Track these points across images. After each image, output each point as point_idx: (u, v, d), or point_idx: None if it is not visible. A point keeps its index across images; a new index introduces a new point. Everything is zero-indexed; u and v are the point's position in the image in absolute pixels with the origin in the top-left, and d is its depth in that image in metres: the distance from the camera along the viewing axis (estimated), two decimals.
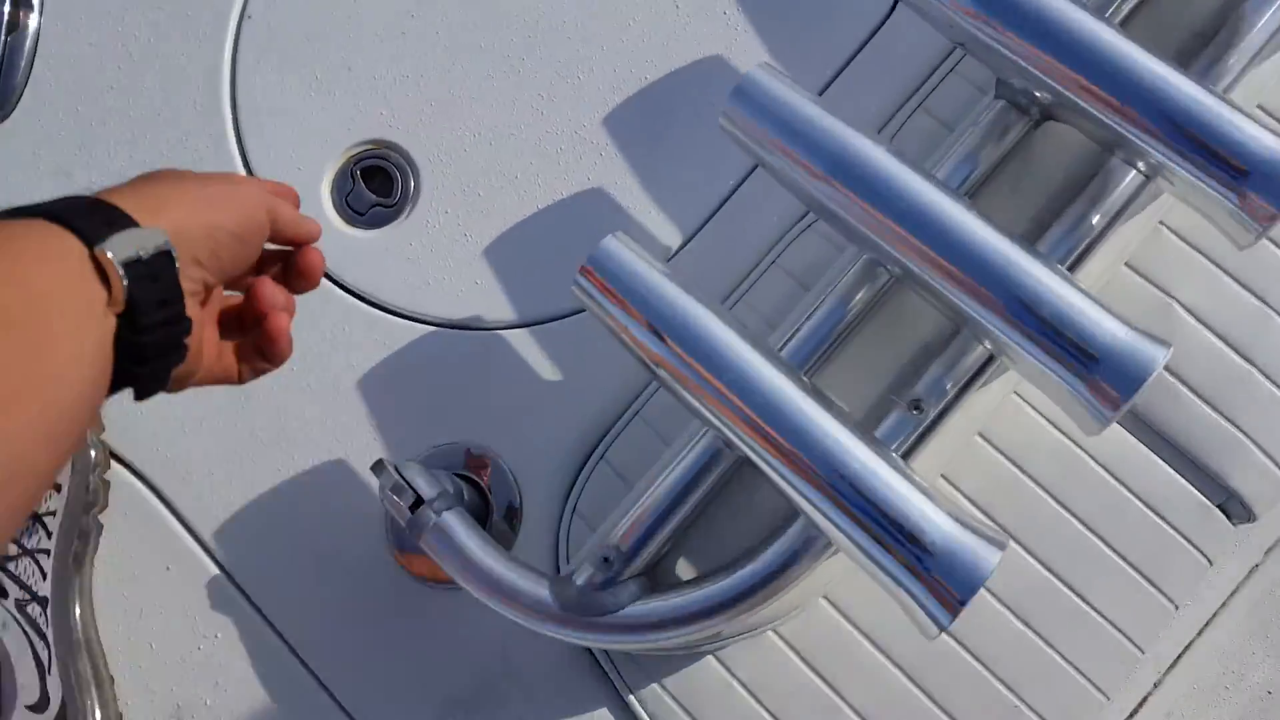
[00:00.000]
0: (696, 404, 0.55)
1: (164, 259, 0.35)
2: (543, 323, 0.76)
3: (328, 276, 0.79)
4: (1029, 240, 0.55)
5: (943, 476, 0.63)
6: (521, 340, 0.76)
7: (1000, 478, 0.64)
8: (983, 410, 0.61)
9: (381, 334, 0.77)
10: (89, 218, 0.34)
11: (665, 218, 0.75)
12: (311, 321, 0.78)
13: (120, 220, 0.34)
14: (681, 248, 0.74)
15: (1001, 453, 0.63)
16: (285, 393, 0.77)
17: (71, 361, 0.32)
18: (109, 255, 0.33)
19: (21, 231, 0.33)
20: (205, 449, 0.75)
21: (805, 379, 0.55)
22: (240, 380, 0.45)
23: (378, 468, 0.66)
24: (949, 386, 0.57)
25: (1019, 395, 0.63)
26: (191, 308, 0.37)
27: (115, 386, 0.36)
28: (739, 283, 0.72)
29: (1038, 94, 0.56)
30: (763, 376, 0.54)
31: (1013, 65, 0.55)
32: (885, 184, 0.54)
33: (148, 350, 0.35)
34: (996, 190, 0.61)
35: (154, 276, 0.35)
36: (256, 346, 0.45)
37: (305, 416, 0.76)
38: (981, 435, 0.63)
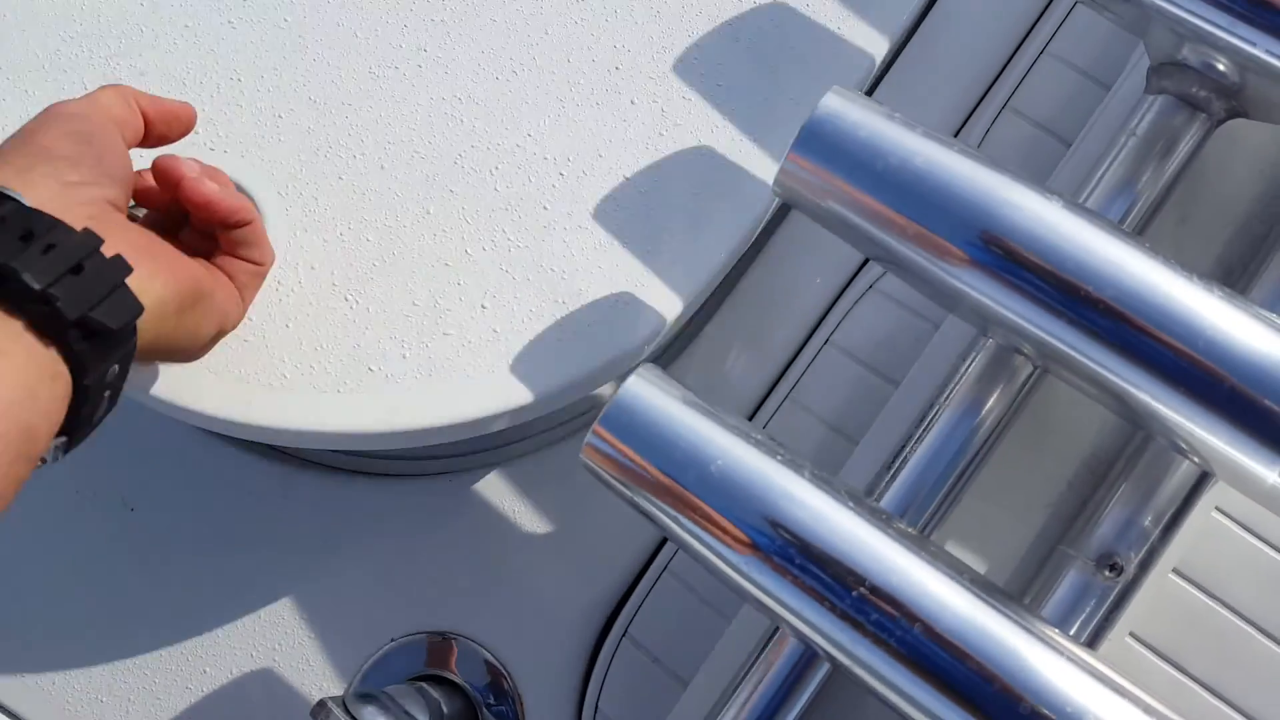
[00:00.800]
0: (793, 621, 0.35)
1: (12, 204, 0.33)
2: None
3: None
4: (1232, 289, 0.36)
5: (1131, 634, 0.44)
6: (488, 484, 0.55)
7: (1194, 613, 0.46)
8: (1181, 539, 0.43)
9: (300, 494, 0.56)
10: None
11: (654, 274, 0.53)
12: (195, 483, 0.56)
13: None
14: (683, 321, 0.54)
15: (1195, 584, 0.45)
16: (177, 581, 0.56)
17: None
18: None
19: None
20: (82, 667, 0.55)
21: (933, 550, 0.36)
22: (264, 263, 0.45)
23: (319, 712, 0.46)
24: (1148, 523, 0.39)
25: (1221, 510, 0.44)
26: (102, 224, 0.34)
27: (79, 352, 0.32)
28: (780, 374, 0.52)
29: (1226, 72, 0.37)
30: (881, 566, 0.34)
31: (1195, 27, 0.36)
32: (1039, 234, 0.34)
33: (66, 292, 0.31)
34: (1160, 226, 0.42)
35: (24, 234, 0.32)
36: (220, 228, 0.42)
37: (207, 613, 0.56)
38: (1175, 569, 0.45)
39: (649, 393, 0.37)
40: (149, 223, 0.42)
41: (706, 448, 0.35)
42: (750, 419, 0.52)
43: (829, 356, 0.51)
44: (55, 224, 0.32)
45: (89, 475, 0.58)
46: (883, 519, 0.36)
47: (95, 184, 0.35)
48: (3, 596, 0.57)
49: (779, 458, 0.36)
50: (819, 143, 0.35)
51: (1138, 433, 0.42)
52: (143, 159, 0.44)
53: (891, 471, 0.41)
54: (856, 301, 0.51)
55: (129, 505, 0.57)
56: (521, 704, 0.53)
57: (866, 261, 0.52)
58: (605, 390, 0.57)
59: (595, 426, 0.37)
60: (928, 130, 0.36)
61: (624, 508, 0.53)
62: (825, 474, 0.36)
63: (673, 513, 0.36)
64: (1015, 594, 0.41)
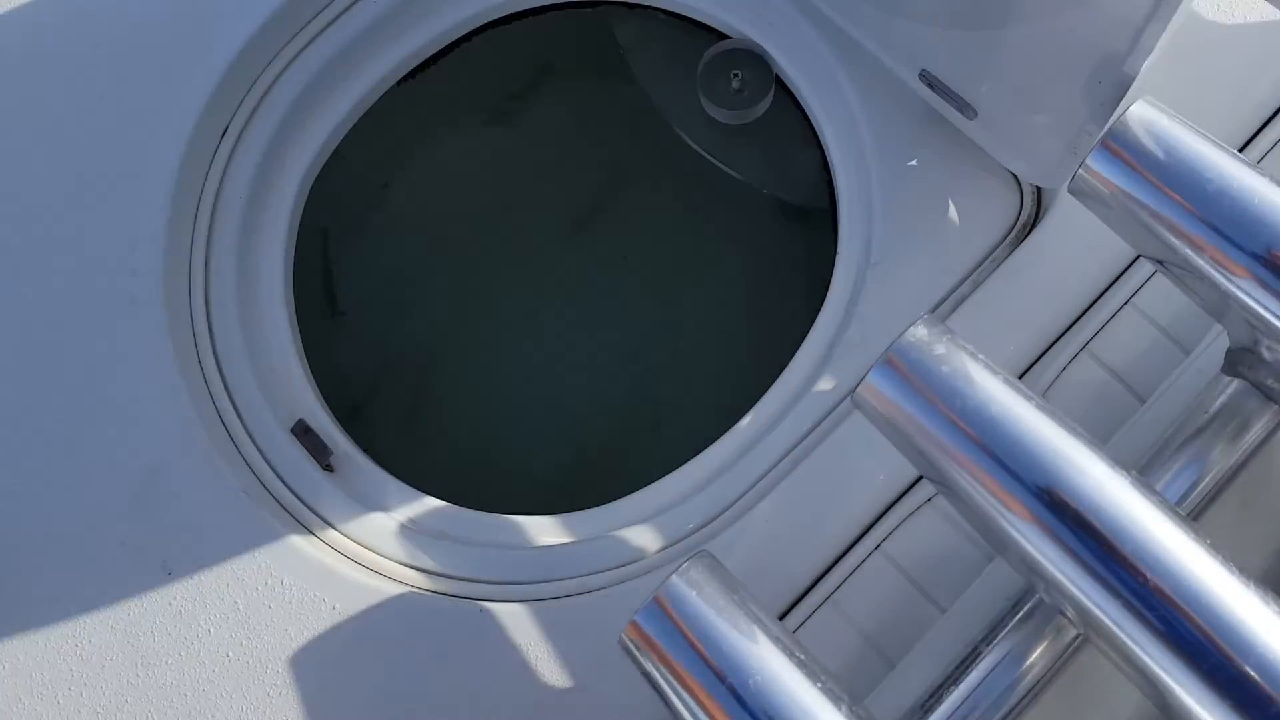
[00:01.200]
0: None
1: None
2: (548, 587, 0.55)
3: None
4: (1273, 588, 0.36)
5: None
6: (517, 619, 0.55)
7: None
8: None
9: (336, 592, 0.57)
10: None
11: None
12: (239, 562, 0.58)
13: None
14: (726, 510, 0.55)
15: None
16: (194, 661, 0.57)
17: None
18: None
19: None
20: None
21: None
22: None
23: None
24: None
25: None
26: None
27: None
28: (826, 569, 0.52)
29: None
30: None
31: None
32: (1096, 504, 0.35)
33: None
34: (1221, 507, 0.42)
35: None
36: None
37: (215, 695, 0.56)
38: None
39: (700, 586, 0.37)
40: None
41: (747, 659, 0.36)
42: (789, 611, 0.53)
43: (876, 563, 0.51)
44: None
45: (135, 529, 0.59)
46: None
47: None
48: (26, 634, 0.58)
49: (820, 686, 0.36)
50: (900, 369, 0.37)
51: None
52: None
53: (924, 710, 0.41)
54: (913, 512, 0.51)
55: (167, 568, 0.59)
56: None
57: None
58: (658, 560, 0.57)
59: (655, 597, 0.37)
60: (1008, 377, 0.37)
61: (636, 680, 0.53)
62: (863, 711, 0.36)
63: None
64: None
